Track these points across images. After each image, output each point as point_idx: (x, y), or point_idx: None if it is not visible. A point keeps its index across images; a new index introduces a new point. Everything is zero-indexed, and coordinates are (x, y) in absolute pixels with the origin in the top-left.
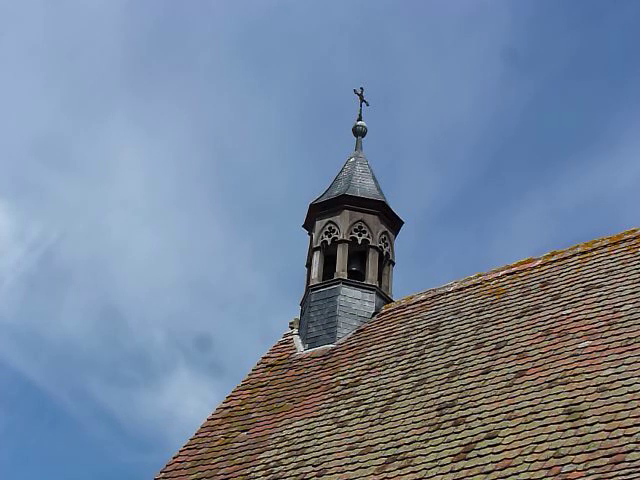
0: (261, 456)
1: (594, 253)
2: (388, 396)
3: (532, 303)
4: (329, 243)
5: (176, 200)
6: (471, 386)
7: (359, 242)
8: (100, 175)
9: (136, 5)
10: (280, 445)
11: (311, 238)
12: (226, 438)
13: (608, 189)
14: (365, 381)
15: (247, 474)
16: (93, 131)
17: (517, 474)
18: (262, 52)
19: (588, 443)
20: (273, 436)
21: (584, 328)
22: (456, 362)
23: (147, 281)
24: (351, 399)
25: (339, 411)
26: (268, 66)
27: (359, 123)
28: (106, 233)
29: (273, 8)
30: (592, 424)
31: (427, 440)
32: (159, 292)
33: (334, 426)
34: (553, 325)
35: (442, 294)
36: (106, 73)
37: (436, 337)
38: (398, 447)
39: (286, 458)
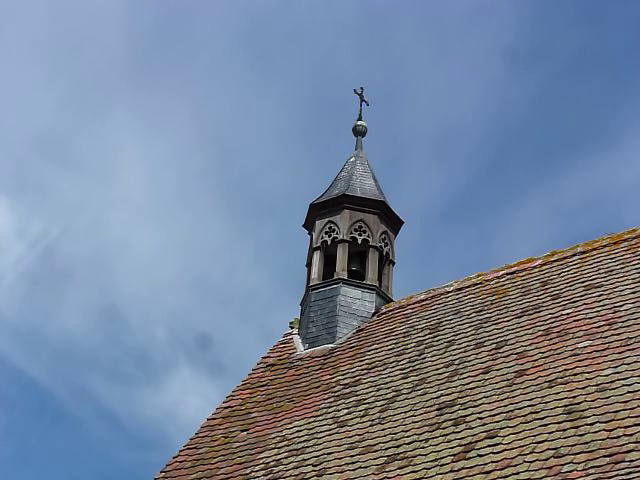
0: (261, 456)
1: (594, 253)
2: (388, 396)
3: (532, 303)
4: (329, 243)
5: (177, 197)
6: (471, 386)
7: (359, 242)
8: (101, 172)
9: (138, 1)
10: (280, 445)
11: (311, 238)
12: (226, 438)
13: (611, 187)
14: (365, 381)
15: (247, 474)
16: (94, 128)
17: (517, 474)
18: (263, 50)
19: (588, 443)
20: (273, 436)
21: (584, 328)
22: (456, 362)
23: (148, 279)
24: (351, 399)
25: (339, 411)
26: (269, 64)
27: (359, 123)
28: (107, 230)
29: (275, 6)
30: (592, 424)
31: (427, 440)
32: (160, 290)
33: (334, 426)
34: (553, 325)
35: (442, 294)
36: (108, 69)
37: (436, 337)
38: (398, 447)
39: (286, 458)
